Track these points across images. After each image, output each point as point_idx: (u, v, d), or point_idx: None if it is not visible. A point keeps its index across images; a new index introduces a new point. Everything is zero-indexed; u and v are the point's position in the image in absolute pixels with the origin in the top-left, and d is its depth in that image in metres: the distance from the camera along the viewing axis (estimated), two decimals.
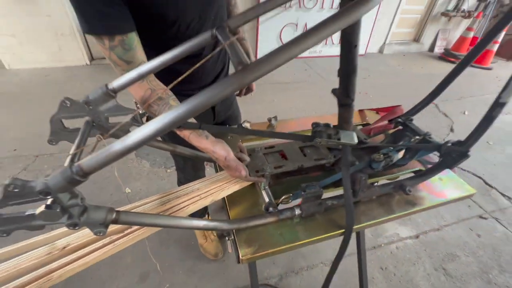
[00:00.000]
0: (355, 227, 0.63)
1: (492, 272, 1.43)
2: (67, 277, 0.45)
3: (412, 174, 0.79)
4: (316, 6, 3.62)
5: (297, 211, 0.63)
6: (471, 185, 1.91)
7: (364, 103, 2.99)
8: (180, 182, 1.13)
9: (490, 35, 0.73)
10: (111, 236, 0.50)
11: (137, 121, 0.60)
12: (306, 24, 3.73)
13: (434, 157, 0.83)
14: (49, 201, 0.38)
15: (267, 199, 0.65)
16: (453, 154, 0.71)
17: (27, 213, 0.38)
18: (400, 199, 0.73)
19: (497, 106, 0.68)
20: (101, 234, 0.43)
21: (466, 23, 4.61)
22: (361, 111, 1.10)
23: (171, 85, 0.44)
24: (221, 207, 1.67)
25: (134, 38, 0.58)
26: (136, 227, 0.52)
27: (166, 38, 0.65)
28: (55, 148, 2.01)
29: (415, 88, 3.44)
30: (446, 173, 0.83)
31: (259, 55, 3.74)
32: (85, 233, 0.50)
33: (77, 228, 0.41)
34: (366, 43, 4.34)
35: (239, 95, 1.10)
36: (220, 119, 0.97)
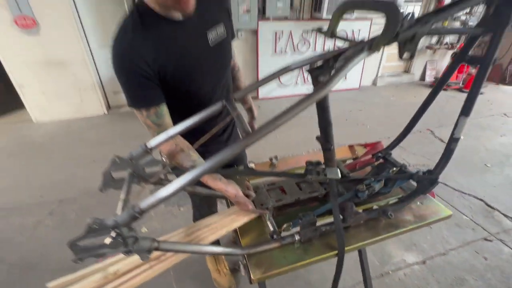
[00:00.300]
0: (346, 248, 0.75)
1: None
2: None
3: (396, 200, 0.92)
4: (309, 50, 4.03)
5: (297, 237, 0.76)
6: (473, 208, 2.00)
7: (362, 134, 3.17)
8: (196, 218, 1.27)
9: (444, 78, 0.92)
10: (150, 262, 0.63)
11: (167, 170, 0.77)
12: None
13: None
14: (114, 234, 0.53)
15: (271, 228, 0.78)
16: (425, 182, 0.85)
17: (98, 243, 0.53)
18: (386, 223, 0.85)
19: (452, 141, 0.83)
20: (146, 259, 0.58)
21: (450, 53, 4.96)
22: (351, 146, 1.26)
23: (195, 145, 0.62)
24: (231, 242, 1.76)
25: (164, 108, 0.79)
26: (168, 255, 0.66)
27: (187, 105, 0.85)
28: (77, 192, 2.21)
29: (409, 116, 3.59)
30: (425, 198, 0.95)
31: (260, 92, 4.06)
32: (130, 261, 0.64)
33: (130, 254, 0.56)
34: (360, 77, 4.66)
35: None
36: (229, 161, 1.15)
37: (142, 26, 0.69)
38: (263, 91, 4.08)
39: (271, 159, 1.11)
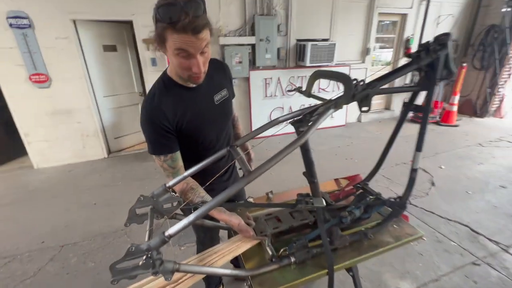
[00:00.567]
0: (335, 267, 0.88)
1: None
2: None
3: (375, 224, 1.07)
4: (296, 94, 4.42)
5: (293, 259, 0.89)
6: (459, 234, 2.16)
7: (350, 167, 3.37)
8: (199, 251, 1.36)
9: (400, 122, 1.14)
10: (170, 285, 0.75)
11: (180, 204, 0.92)
12: (290, 107, 4.47)
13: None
14: (144, 257, 0.67)
15: (270, 252, 0.91)
16: (396, 207, 1.02)
17: (132, 266, 0.66)
18: (368, 244, 0.99)
19: (412, 171, 1.02)
20: (169, 279, 0.70)
21: (424, 92, 5.47)
22: (336, 180, 1.44)
23: (205, 185, 0.79)
24: (232, 280, 1.81)
25: (178, 154, 0.97)
26: (184, 277, 0.78)
27: (196, 150, 1.04)
28: (78, 236, 2.26)
29: (395, 148, 3.88)
30: (401, 221, 1.11)
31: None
32: (152, 284, 0.76)
33: (157, 275, 0.68)
34: (345, 115, 5.05)
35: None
36: (232, 197, 1.30)
37: (166, 92, 0.91)
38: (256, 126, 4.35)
39: (267, 194, 1.27)
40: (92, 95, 3.59)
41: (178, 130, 0.93)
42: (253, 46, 3.94)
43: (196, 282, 1.57)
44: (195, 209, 0.90)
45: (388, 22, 5.16)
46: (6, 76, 3.11)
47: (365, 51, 4.84)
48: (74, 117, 3.53)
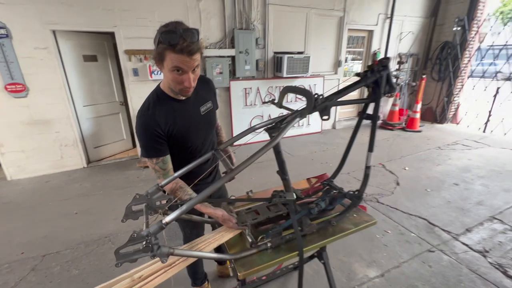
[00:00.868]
0: (304, 249, 1.06)
1: None
2: None
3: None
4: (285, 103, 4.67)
5: (269, 244, 1.05)
6: (418, 226, 2.43)
7: (325, 171, 3.61)
8: None
9: (356, 128, 1.36)
10: (165, 268, 0.88)
11: (167, 200, 1.06)
12: (269, 115, 4.70)
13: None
14: (145, 242, 0.80)
15: (250, 240, 1.07)
16: (354, 199, 1.22)
17: (134, 250, 0.79)
18: (332, 230, 1.18)
19: (367, 169, 1.23)
20: (165, 261, 0.83)
21: (392, 100, 5.97)
22: (308, 179, 1.64)
23: (191, 185, 0.94)
24: (217, 276, 1.93)
25: (168, 158, 1.11)
26: (177, 262, 0.92)
27: (183, 155, 1.18)
28: (60, 245, 2.27)
29: (365, 152, 4.23)
30: (359, 211, 1.31)
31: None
32: (150, 268, 0.88)
33: (155, 258, 0.82)
34: (321, 122, 5.37)
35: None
36: (215, 197, 1.45)
37: (158, 103, 1.06)
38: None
39: (247, 193, 1.43)
40: (72, 104, 3.57)
41: (169, 136, 1.08)
42: (233, 57, 4.15)
43: (184, 278, 1.69)
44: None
45: (358, 36, 5.62)
46: None
47: (337, 63, 5.23)
48: (52, 127, 3.48)
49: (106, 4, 3.30)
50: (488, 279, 1.87)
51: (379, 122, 6.01)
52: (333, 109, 5.48)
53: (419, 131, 5.42)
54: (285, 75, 4.38)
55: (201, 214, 1.24)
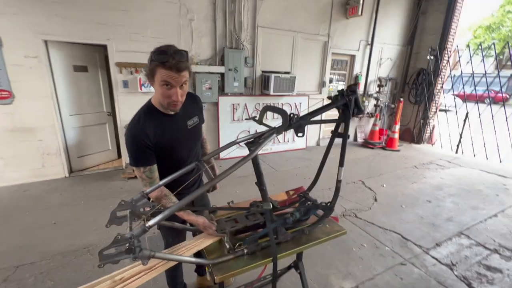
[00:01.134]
0: (278, 255, 1.14)
1: None
2: None
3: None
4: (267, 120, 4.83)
5: (245, 251, 1.13)
6: (392, 240, 2.56)
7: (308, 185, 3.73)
8: None
9: (329, 145, 1.49)
10: (145, 270, 0.94)
11: (152, 207, 1.12)
12: (256, 130, 4.83)
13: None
14: (127, 245, 0.86)
15: (228, 247, 1.14)
16: (327, 210, 1.33)
17: (118, 251, 0.85)
18: (305, 238, 1.28)
19: (338, 182, 1.35)
20: (146, 264, 0.89)
21: (372, 120, 6.29)
22: (287, 192, 1.74)
23: (175, 192, 1.03)
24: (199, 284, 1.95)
25: (155, 167, 1.19)
26: (157, 265, 0.97)
27: (169, 164, 1.26)
28: (36, 256, 2.23)
29: (347, 170, 4.40)
30: (332, 222, 1.42)
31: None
32: (131, 271, 0.94)
33: (136, 260, 0.88)
34: (305, 139, 5.56)
35: (208, 191, 1.69)
36: (198, 205, 1.51)
37: (148, 116, 1.15)
38: (224, 153, 4.60)
39: (228, 203, 1.51)
40: (58, 113, 3.56)
41: (156, 147, 1.16)
42: (222, 74, 4.32)
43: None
44: None
45: (342, 60, 5.98)
46: None
47: (322, 84, 5.52)
48: (35, 134, 3.44)
49: (100, 18, 3.41)
50: None
51: (361, 141, 6.30)
52: (317, 127, 5.73)
53: (398, 151, 5.71)
54: (272, 93, 4.57)
55: (183, 222, 1.31)
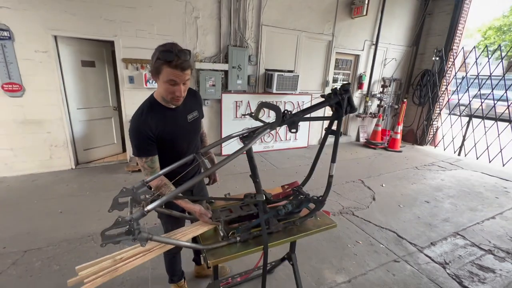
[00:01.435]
0: (269, 244, 1.21)
1: None
2: (124, 271, 0.95)
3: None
4: (264, 116, 4.89)
5: (238, 238, 1.20)
6: (388, 238, 2.61)
7: (307, 184, 3.79)
8: None
9: (322, 142, 1.54)
10: (144, 252, 1.01)
11: (152, 195, 1.20)
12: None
13: None
14: (127, 227, 0.94)
15: (222, 234, 1.21)
16: (318, 204, 1.39)
17: (118, 232, 0.93)
18: (297, 229, 1.34)
19: (329, 177, 1.40)
20: (144, 246, 0.97)
21: (375, 120, 6.29)
22: (282, 186, 1.80)
23: (172, 181, 1.10)
24: (194, 277, 2.03)
25: (156, 157, 1.26)
26: (155, 247, 1.05)
27: (170, 156, 1.33)
28: (43, 242, 2.34)
29: (347, 169, 4.46)
30: (323, 215, 1.48)
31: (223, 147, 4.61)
32: (131, 252, 1.01)
33: (135, 241, 0.95)
34: (307, 138, 5.60)
35: (208, 184, 1.76)
36: (196, 195, 1.59)
37: (151, 109, 1.23)
38: (226, 149, 4.68)
39: (225, 195, 1.58)
40: (66, 106, 3.68)
41: (158, 139, 1.23)
42: (226, 72, 4.38)
43: (162, 278, 1.79)
44: None
45: (346, 59, 5.99)
46: None
47: (325, 83, 5.54)
48: (44, 127, 3.56)
49: (108, 15, 3.50)
50: None
51: (363, 141, 6.31)
52: (319, 127, 5.76)
53: (400, 151, 5.71)
54: (274, 91, 4.63)
55: (182, 211, 1.38)
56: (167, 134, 1.27)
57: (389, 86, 6.24)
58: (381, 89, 6.19)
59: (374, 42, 5.73)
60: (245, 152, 1.13)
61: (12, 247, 2.25)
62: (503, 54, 5.09)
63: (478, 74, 5.27)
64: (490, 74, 5.03)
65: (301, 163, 4.66)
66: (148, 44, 3.77)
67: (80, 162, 4.05)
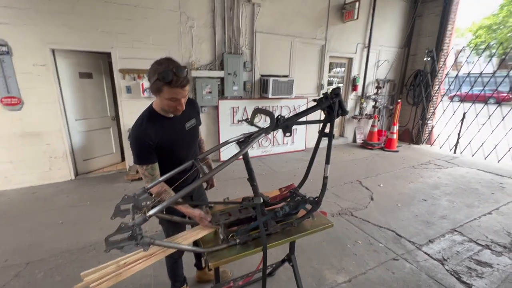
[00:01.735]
0: (268, 245, 1.25)
1: None
2: (128, 276, 0.98)
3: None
4: (261, 121, 4.95)
5: (238, 241, 1.24)
6: (386, 237, 2.66)
7: (305, 186, 3.83)
8: None
9: (317, 143, 1.59)
10: (147, 256, 1.05)
11: (153, 201, 1.24)
12: None
13: None
14: (130, 232, 0.97)
15: (221, 237, 1.25)
16: (314, 205, 1.43)
17: (121, 237, 0.96)
18: (294, 230, 1.38)
19: (324, 178, 1.45)
20: (146, 250, 1.00)
21: (371, 121, 6.37)
22: (280, 189, 1.84)
23: (172, 187, 1.14)
24: (196, 282, 2.05)
25: (156, 165, 1.31)
26: (157, 251, 1.08)
27: (169, 163, 1.37)
28: (45, 253, 2.35)
29: (345, 170, 4.51)
30: (320, 216, 1.52)
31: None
32: (134, 257, 1.05)
33: (138, 246, 0.99)
34: (305, 141, 5.66)
35: (206, 189, 1.80)
36: (196, 200, 1.63)
37: (150, 119, 1.28)
38: (224, 155, 4.72)
39: (224, 199, 1.62)
40: (64, 118, 3.72)
41: (158, 147, 1.28)
42: (222, 79, 4.45)
43: (164, 284, 1.82)
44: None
45: (340, 62, 6.09)
46: None
47: (320, 86, 5.63)
48: (43, 139, 3.59)
49: (104, 27, 3.57)
50: (444, 284, 2.07)
51: (359, 142, 6.37)
52: (317, 127, 5.82)
53: (397, 151, 5.77)
54: (270, 96, 4.69)
55: (183, 216, 1.42)
56: (166, 142, 1.31)
57: (383, 87, 6.34)
58: (375, 91, 6.29)
59: (367, 45, 5.85)
60: (241, 156, 1.18)
61: (14, 259, 2.26)
62: (494, 51, 5.20)
63: (469, 72, 5.38)
64: (481, 72, 5.14)
65: (299, 166, 4.70)
66: (144, 54, 3.84)
67: (80, 173, 4.07)
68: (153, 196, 1.30)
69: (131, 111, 3.93)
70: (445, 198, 3.55)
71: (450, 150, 5.78)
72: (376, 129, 6.00)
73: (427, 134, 6.33)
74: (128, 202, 1.19)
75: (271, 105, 5.07)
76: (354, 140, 6.46)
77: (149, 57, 3.83)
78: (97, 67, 4.06)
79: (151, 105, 1.33)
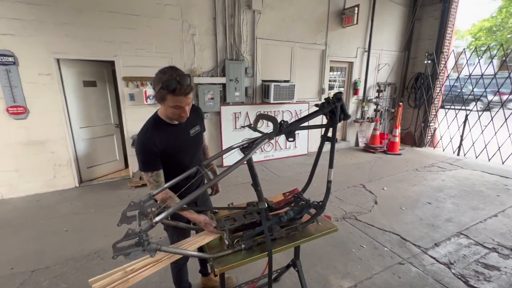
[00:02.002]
0: (273, 250, 1.25)
1: None
2: (135, 282, 0.99)
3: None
4: (263, 126, 4.98)
5: (243, 246, 1.24)
6: (391, 241, 2.65)
7: (309, 190, 3.82)
8: None
9: (320, 148, 1.60)
10: (153, 262, 1.06)
11: (159, 207, 1.25)
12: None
13: None
14: (137, 238, 0.99)
15: (227, 243, 1.26)
16: (318, 209, 1.43)
17: (129, 244, 0.97)
18: (299, 235, 1.38)
19: (328, 183, 1.45)
20: (153, 256, 1.01)
21: (373, 125, 6.37)
22: (284, 194, 1.85)
23: (177, 193, 1.15)
24: (202, 284, 2.04)
25: (161, 172, 1.32)
26: (164, 258, 1.09)
27: (174, 169, 1.39)
28: (50, 261, 2.36)
29: (348, 174, 4.50)
30: (324, 220, 1.52)
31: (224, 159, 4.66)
32: (141, 263, 1.05)
33: (145, 252, 1.00)
34: (307, 145, 5.66)
35: (211, 194, 1.81)
36: (201, 206, 1.64)
37: (155, 127, 1.30)
38: (227, 160, 4.74)
39: (228, 205, 1.63)
40: (69, 126, 3.76)
41: (163, 154, 1.30)
42: (223, 85, 4.49)
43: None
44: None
45: (341, 67, 6.13)
46: None
47: (321, 91, 5.66)
48: (48, 147, 3.63)
49: (108, 36, 3.64)
50: None
51: (362, 145, 6.37)
52: (319, 131, 5.84)
53: (399, 154, 5.76)
54: (272, 101, 4.72)
55: (188, 222, 1.43)
56: (171, 148, 1.33)
57: (384, 90, 6.36)
58: (376, 94, 6.31)
59: (367, 49, 5.89)
60: (245, 162, 1.20)
61: (19, 267, 2.27)
62: (494, 53, 5.21)
63: (470, 74, 5.38)
64: (482, 74, 5.15)
65: (302, 170, 4.70)
66: (147, 62, 3.90)
67: (84, 180, 4.09)
68: (158, 202, 1.31)
69: (135, 118, 3.97)
70: (450, 201, 3.52)
71: (454, 152, 5.75)
72: (378, 132, 5.99)
73: (430, 137, 6.31)
74: (134, 209, 1.20)
75: (273, 110, 5.10)
76: (357, 143, 6.46)
77: (152, 65, 3.90)
78: (101, 75, 4.12)
79: (156, 112, 1.36)
